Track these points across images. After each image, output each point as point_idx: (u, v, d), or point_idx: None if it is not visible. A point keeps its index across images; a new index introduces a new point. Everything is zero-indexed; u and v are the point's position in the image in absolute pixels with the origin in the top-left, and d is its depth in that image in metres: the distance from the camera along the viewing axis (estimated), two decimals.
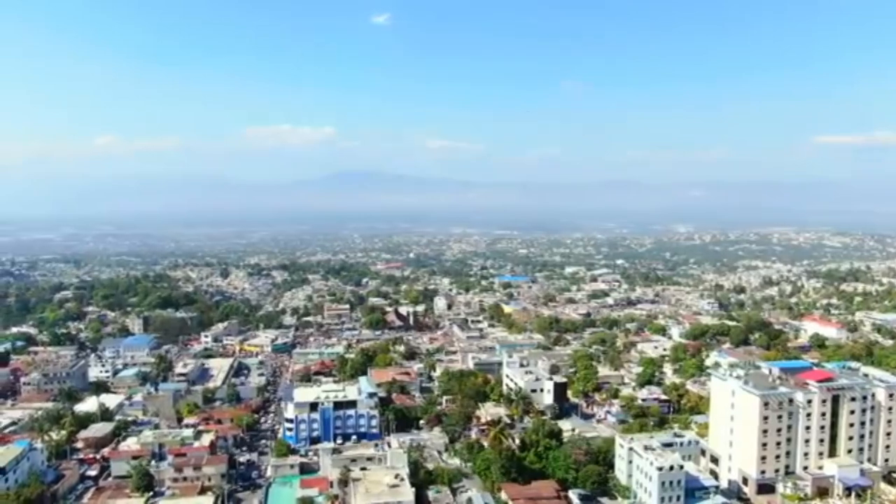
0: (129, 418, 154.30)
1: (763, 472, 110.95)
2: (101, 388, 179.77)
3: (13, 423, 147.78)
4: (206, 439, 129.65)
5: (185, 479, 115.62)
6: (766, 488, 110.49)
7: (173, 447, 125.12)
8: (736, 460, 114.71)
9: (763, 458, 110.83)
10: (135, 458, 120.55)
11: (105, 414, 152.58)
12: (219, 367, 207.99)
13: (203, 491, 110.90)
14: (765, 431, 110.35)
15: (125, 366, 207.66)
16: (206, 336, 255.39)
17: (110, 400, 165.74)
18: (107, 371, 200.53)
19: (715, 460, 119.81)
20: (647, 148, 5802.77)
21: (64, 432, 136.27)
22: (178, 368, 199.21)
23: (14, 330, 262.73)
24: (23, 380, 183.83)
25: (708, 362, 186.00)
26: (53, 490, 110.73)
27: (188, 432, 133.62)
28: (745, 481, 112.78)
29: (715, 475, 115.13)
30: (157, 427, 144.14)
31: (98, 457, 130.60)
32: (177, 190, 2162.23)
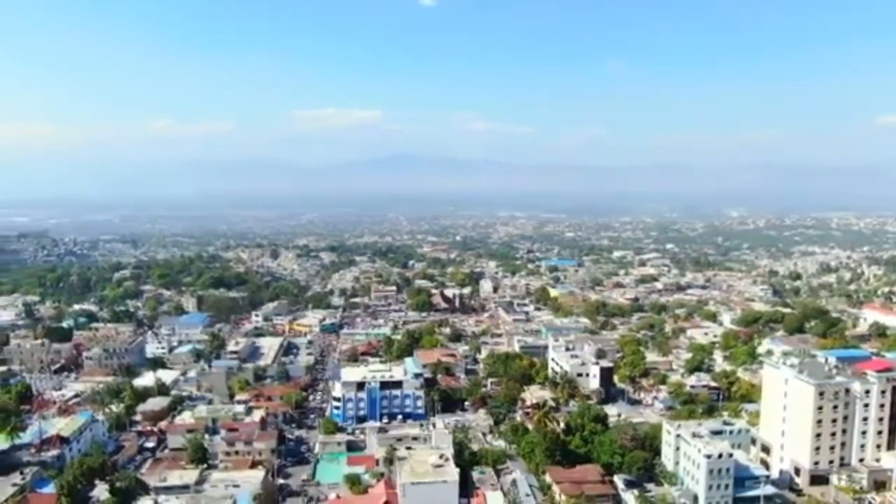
0: (184, 393, 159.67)
1: (817, 462, 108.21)
2: (157, 363, 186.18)
3: (76, 396, 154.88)
4: (257, 415, 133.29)
5: (237, 452, 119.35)
6: (819, 479, 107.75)
7: (226, 422, 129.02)
8: (788, 450, 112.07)
9: (817, 448, 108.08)
10: (189, 431, 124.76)
11: (161, 389, 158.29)
12: (269, 346, 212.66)
13: (254, 465, 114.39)
14: (819, 422, 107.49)
15: (180, 343, 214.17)
16: (256, 315, 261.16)
17: (166, 375, 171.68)
18: (163, 348, 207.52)
19: (766, 450, 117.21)
20: (697, 129, 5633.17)
21: (123, 405, 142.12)
22: (231, 346, 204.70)
23: (77, 307, 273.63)
24: (85, 354, 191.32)
25: (760, 350, 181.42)
26: (114, 460, 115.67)
27: (240, 408, 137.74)
28: (797, 472, 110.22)
29: (766, 465, 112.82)
30: (210, 402, 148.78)
31: (155, 429, 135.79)
32: (227, 172, 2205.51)
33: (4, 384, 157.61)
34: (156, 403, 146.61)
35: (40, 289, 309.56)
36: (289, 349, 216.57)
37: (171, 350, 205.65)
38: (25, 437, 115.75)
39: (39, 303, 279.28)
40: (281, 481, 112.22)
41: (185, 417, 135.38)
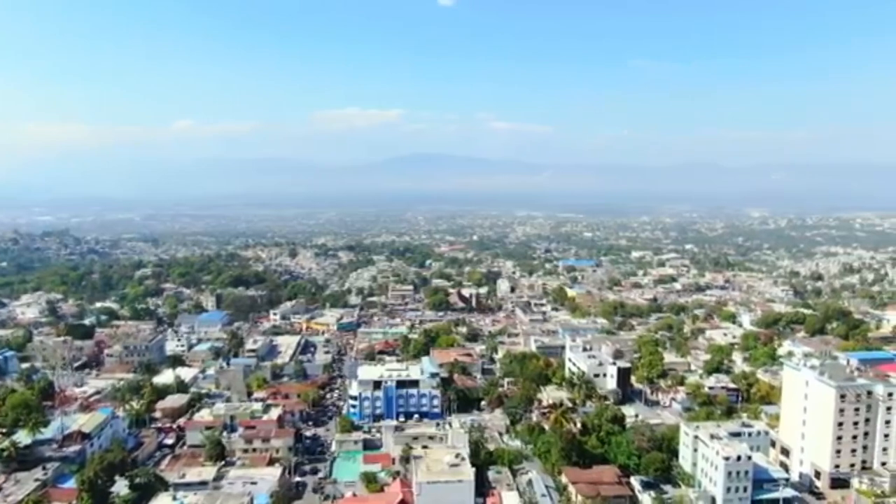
0: (203, 391, 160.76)
1: (837, 466, 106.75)
2: (177, 361, 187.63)
3: (97, 392, 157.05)
4: (275, 413, 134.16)
5: (254, 450, 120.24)
6: (840, 483, 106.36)
7: (243, 419, 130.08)
8: (808, 453, 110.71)
9: (838, 451, 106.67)
10: (208, 428, 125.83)
11: (181, 386, 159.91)
12: (287, 345, 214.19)
13: (271, 462, 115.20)
14: (840, 424, 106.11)
15: (199, 341, 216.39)
16: (274, 314, 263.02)
17: (185, 373, 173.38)
18: (182, 345, 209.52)
19: (786, 452, 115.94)
20: (725, 128, 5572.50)
21: (143, 402, 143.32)
22: (249, 345, 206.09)
23: (98, 305, 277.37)
24: (106, 352, 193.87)
25: (781, 351, 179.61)
26: (134, 456, 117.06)
27: (257, 406, 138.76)
28: (817, 475, 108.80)
29: (785, 467, 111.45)
30: (228, 400, 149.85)
31: (174, 426, 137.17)
32: (247, 172, 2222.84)
33: (27, 380, 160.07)
34: (175, 400, 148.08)
35: (63, 287, 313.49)
36: (306, 347, 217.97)
37: (190, 348, 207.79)
38: (47, 433, 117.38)
39: (62, 300, 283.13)
40: (298, 479, 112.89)
41: (204, 414, 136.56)
